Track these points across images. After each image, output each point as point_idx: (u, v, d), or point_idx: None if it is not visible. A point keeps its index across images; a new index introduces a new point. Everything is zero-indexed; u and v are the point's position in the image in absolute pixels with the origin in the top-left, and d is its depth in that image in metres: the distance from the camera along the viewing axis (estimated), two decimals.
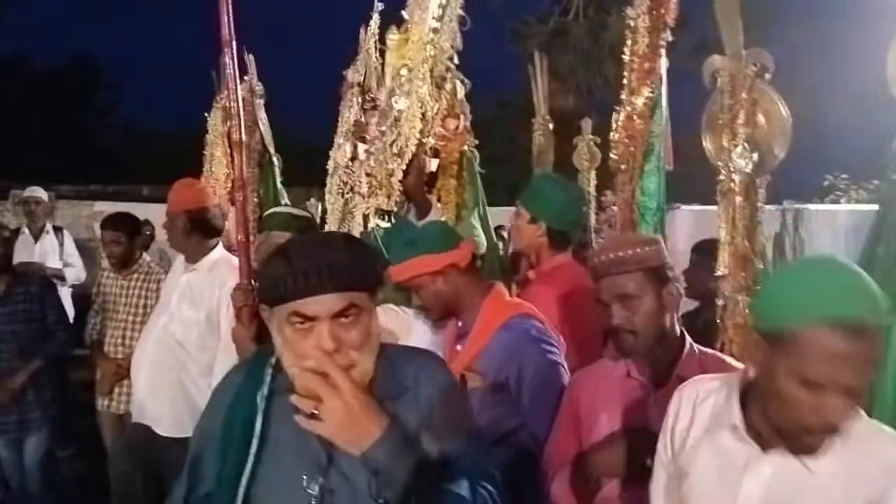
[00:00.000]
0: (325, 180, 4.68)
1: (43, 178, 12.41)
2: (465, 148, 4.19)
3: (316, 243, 1.50)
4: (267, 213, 3.80)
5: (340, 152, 4.24)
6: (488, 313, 2.44)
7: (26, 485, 4.46)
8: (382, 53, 4.09)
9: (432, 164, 3.69)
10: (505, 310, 2.45)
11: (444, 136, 4.18)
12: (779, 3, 14.61)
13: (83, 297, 5.90)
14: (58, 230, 6.72)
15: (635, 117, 3.07)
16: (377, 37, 4.23)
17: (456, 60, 3.48)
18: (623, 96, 3.09)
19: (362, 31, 4.35)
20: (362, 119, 4.08)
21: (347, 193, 4.00)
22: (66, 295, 6.15)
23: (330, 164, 4.33)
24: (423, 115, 3.35)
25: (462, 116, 4.21)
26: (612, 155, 3.20)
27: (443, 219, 3.47)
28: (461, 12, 3.32)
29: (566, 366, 2.38)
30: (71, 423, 4.87)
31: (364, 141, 3.68)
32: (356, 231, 3.61)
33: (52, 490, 4.53)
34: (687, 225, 6.41)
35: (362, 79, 4.28)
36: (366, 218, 3.49)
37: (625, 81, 3.09)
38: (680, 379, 1.90)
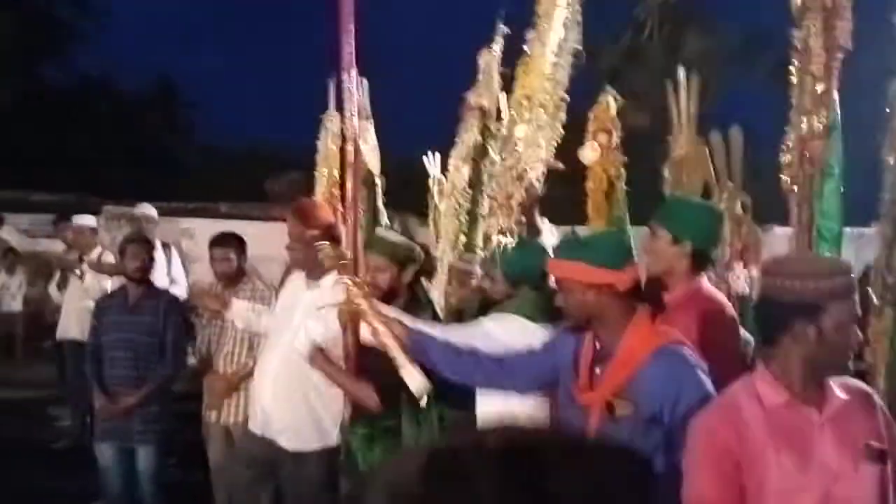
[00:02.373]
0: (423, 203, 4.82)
1: (128, 195, 12.93)
2: (614, 169, 4.23)
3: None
4: (373, 235, 3.91)
5: (458, 174, 4.36)
6: (636, 338, 2.34)
7: (137, 494, 4.66)
8: (503, 77, 4.22)
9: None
10: (655, 337, 2.35)
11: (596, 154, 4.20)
12: None
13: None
14: (166, 246, 6.83)
15: (813, 139, 3.01)
16: (500, 60, 4.36)
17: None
18: (793, 118, 3.07)
19: (484, 53, 4.47)
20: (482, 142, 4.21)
21: (462, 216, 4.12)
22: None
23: (447, 186, 4.45)
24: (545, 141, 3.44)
25: (614, 132, 4.19)
26: (782, 176, 3.16)
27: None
28: (578, 46, 3.42)
29: None
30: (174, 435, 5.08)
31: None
32: (478, 250, 3.76)
33: (162, 500, 4.70)
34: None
35: (484, 102, 4.40)
36: (486, 238, 3.61)
37: (794, 102, 3.08)
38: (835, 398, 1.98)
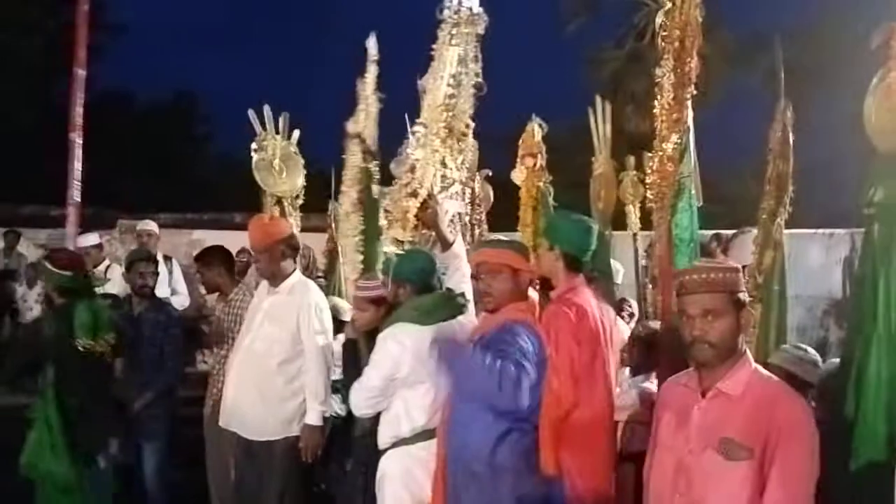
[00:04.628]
0: None
1: (144, 208, 13.34)
2: (541, 184, 4.85)
3: None
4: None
5: (347, 198, 4.80)
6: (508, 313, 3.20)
7: (144, 488, 5.06)
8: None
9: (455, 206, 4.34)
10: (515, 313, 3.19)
11: (523, 173, 4.91)
12: None
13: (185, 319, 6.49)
14: (167, 259, 7.21)
15: (666, 161, 3.44)
16: (376, 87, 4.74)
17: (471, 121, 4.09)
18: (654, 143, 3.48)
19: (359, 83, 4.82)
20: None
21: (357, 236, 4.63)
22: None
23: (341, 209, 4.90)
24: (443, 162, 4.00)
25: (539, 156, 4.84)
26: (648, 194, 3.60)
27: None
28: (478, 79, 3.87)
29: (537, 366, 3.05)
30: (180, 436, 5.45)
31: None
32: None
33: (167, 494, 5.12)
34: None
35: (361, 129, 4.77)
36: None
37: (656, 131, 3.48)
38: (718, 392, 2.37)
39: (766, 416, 2.30)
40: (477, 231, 5.32)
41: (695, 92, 3.42)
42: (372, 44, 4.79)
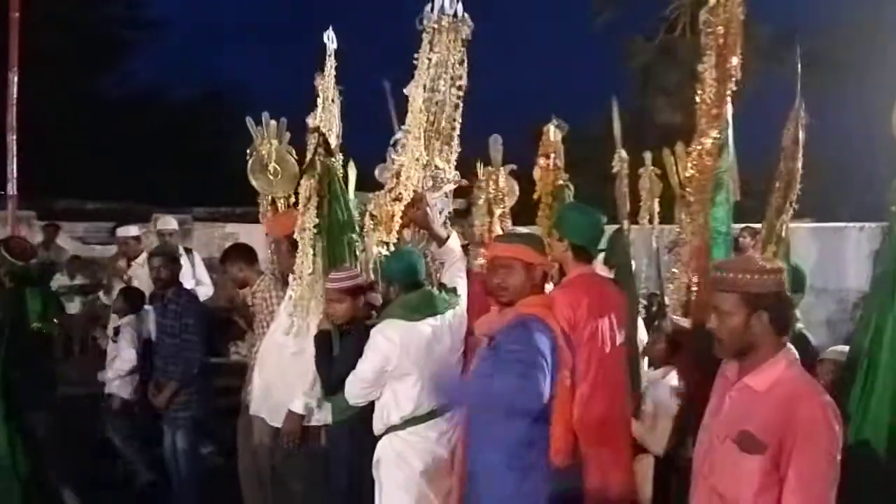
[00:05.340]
0: None
1: (180, 202, 13.54)
2: (560, 182, 4.98)
3: None
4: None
5: (302, 191, 4.84)
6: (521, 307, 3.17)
7: (177, 470, 5.31)
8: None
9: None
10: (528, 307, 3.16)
11: (539, 172, 5.05)
12: None
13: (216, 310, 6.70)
14: (189, 252, 7.36)
15: (705, 155, 3.48)
16: (334, 83, 4.84)
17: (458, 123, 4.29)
18: (694, 138, 3.52)
19: (317, 79, 4.90)
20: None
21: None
22: None
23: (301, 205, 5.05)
24: (426, 165, 4.19)
25: (553, 155, 4.97)
26: (687, 189, 3.63)
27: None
28: (461, 81, 4.19)
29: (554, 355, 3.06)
30: (214, 425, 5.62)
31: None
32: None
33: (199, 483, 5.38)
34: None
35: (319, 123, 4.86)
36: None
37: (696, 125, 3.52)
38: (745, 386, 2.44)
39: (786, 415, 2.31)
40: (500, 225, 5.38)
41: (735, 88, 3.46)
42: (330, 37, 4.86)
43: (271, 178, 5.07)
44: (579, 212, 3.83)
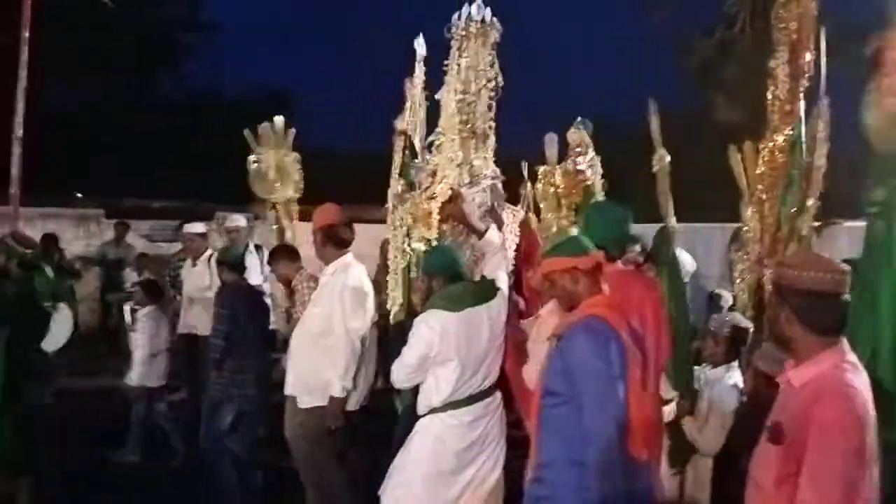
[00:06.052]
0: None
1: (239, 201, 13.77)
2: (588, 183, 5.22)
3: None
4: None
5: (392, 191, 4.98)
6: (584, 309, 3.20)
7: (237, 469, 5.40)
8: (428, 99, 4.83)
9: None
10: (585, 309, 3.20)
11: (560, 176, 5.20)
12: None
13: None
14: (258, 248, 7.52)
15: (777, 152, 3.45)
16: (423, 88, 4.90)
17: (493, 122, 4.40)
18: (766, 134, 3.48)
19: (407, 83, 4.93)
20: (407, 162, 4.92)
21: (403, 226, 4.89)
22: None
23: (389, 202, 5.13)
24: (461, 164, 4.30)
25: (582, 153, 5.05)
26: (758, 187, 3.59)
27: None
28: (495, 82, 4.26)
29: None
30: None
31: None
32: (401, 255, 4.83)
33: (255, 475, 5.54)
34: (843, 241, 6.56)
35: (407, 127, 4.92)
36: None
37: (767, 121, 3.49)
38: (786, 380, 2.51)
39: (805, 412, 2.33)
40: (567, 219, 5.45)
41: (807, 84, 3.42)
42: (420, 43, 4.92)
43: (271, 184, 5.20)
44: (598, 211, 3.88)
